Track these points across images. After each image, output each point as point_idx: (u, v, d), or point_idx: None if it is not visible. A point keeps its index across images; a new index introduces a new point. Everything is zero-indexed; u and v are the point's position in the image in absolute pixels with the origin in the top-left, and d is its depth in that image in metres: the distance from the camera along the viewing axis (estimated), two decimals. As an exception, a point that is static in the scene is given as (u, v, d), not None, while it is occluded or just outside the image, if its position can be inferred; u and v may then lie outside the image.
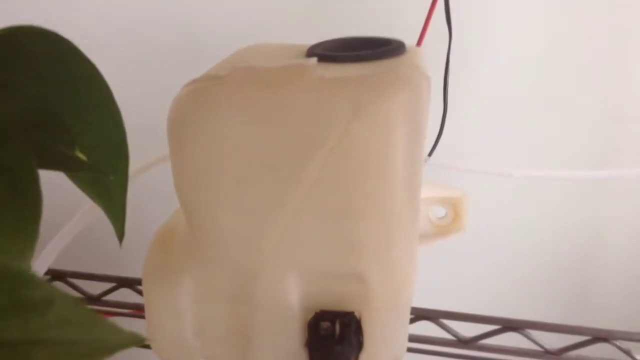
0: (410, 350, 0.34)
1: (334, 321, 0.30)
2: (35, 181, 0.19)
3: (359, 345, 0.31)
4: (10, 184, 0.19)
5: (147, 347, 0.34)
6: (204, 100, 0.27)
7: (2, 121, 0.21)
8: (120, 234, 0.24)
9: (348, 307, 0.31)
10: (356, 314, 0.31)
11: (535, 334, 0.37)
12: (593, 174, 0.48)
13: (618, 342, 0.36)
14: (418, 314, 0.38)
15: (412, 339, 0.35)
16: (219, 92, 0.27)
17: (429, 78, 0.27)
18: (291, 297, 0.30)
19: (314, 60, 0.28)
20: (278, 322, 0.31)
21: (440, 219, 0.38)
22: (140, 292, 0.43)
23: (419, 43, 0.40)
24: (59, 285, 0.44)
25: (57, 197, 0.46)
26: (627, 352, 0.36)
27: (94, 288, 0.44)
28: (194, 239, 0.31)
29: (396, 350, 0.32)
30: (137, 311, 0.43)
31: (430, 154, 0.45)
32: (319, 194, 0.27)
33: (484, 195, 0.48)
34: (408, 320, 0.32)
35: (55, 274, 0.44)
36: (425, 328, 0.38)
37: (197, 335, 0.33)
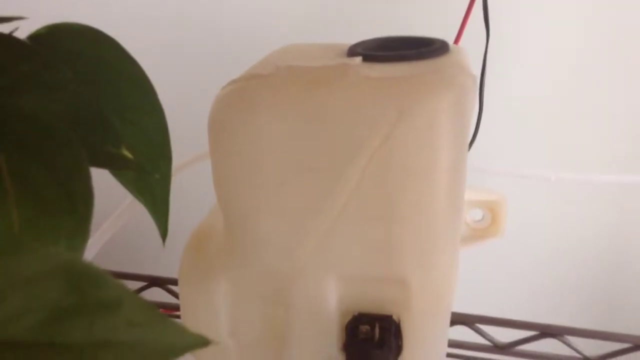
0: (447, 355, 0.33)
1: (373, 324, 0.30)
2: (87, 180, 0.19)
3: (398, 350, 0.30)
4: (63, 184, 0.19)
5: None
6: (245, 99, 0.26)
7: (51, 118, 0.20)
8: (164, 233, 0.24)
9: (387, 311, 0.30)
10: (395, 317, 0.30)
11: (572, 340, 0.36)
12: (630, 179, 0.47)
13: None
14: (453, 319, 0.37)
15: (449, 344, 0.35)
16: (261, 91, 0.26)
17: (474, 78, 0.27)
18: (329, 300, 0.30)
19: (359, 59, 0.27)
20: (315, 325, 0.30)
21: (477, 222, 0.38)
22: (171, 292, 0.43)
23: (455, 43, 0.40)
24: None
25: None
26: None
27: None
28: (231, 240, 0.30)
29: (435, 356, 0.31)
30: (169, 310, 0.43)
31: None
32: (360, 197, 0.27)
33: (516, 198, 0.47)
34: (448, 326, 0.31)
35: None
36: (461, 333, 0.37)
37: (232, 336, 0.32)
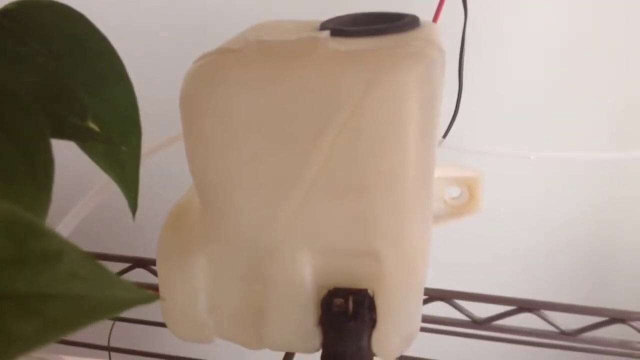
0: (424, 330, 0.33)
1: (347, 298, 0.30)
2: (47, 148, 0.19)
3: (372, 323, 0.31)
4: (23, 151, 0.19)
5: (163, 325, 0.35)
6: (215, 73, 0.26)
7: (15, 91, 0.21)
8: (134, 207, 0.24)
9: (362, 285, 0.31)
10: (370, 291, 0.31)
11: (550, 315, 0.37)
12: (609, 156, 0.48)
13: (635, 324, 0.35)
14: (432, 295, 0.38)
15: (426, 319, 0.35)
16: (231, 66, 0.26)
17: (443, 52, 0.27)
18: (304, 274, 0.30)
19: (327, 33, 0.28)
20: (292, 300, 0.31)
21: (455, 199, 0.38)
22: (155, 273, 0.43)
23: (434, 21, 0.40)
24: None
25: (70, 177, 0.46)
26: (645, 333, 0.35)
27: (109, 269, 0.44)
28: (208, 217, 0.31)
29: (410, 329, 0.31)
30: (153, 292, 0.43)
31: (444, 136, 0.44)
32: (331, 170, 0.27)
33: (499, 178, 0.47)
34: (422, 299, 0.32)
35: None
36: (439, 309, 0.38)
37: (211, 313, 0.33)
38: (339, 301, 0.30)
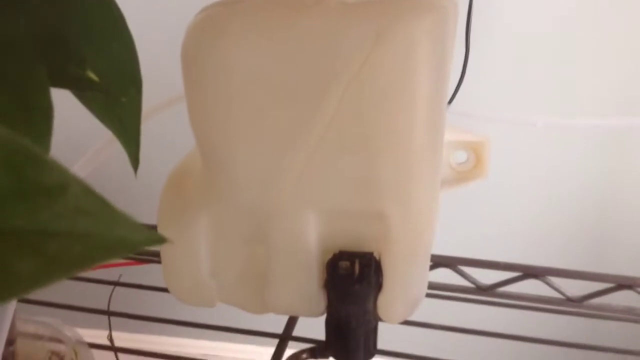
0: (428, 296, 0.33)
1: (353, 261, 0.29)
2: (46, 95, 0.18)
3: (378, 286, 0.30)
4: (22, 98, 0.18)
5: (166, 290, 0.34)
6: (217, 26, 0.25)
7: (12, 36, 0.20)
8: (135, 162, 0.23)
9: (368, 249, 0.30)
10: (375, 255, 0.30)
11: (556, 282, 0.36)
12: (615, 123, 0.47)
13: (642, 290, 0.35)
14: (437, 262, 0.37)
15: (430, 286, 0.35)
16: (234, 18, 0.25)
17: (455, 3, 0.26)
18: (309, 237, 0.29)
19: (334, -16, 0.26)
20: (296, 263, 0.30)
21: (461, 164, 0.37)
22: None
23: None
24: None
25: (69, 141, 0.45)
26: (652, 300, 0.35)
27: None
28: (210, 178, 0.30)
29: (415, 293, 0.31)
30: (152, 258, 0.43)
31: (450, 101, 0.44)
32: (337, 127, 0.26)
33: (505, 145, 0.47)
34: (428, 264, 0.31)
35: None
36: (444, 275, 0.37)
37: (214, 276, 0.32)
38: (344, 264, 0.29)
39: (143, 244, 0.11)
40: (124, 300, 0.38)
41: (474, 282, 0.37)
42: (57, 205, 0.10)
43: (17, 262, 0.10)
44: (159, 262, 0.35)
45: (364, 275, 0.29)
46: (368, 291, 0.30)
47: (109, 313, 0.37)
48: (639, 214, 0.60)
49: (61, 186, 0.10)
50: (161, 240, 0.12)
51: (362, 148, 0.26)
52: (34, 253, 0.10)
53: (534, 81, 0.55)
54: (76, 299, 0.37)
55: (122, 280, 0.40)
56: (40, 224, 0.10)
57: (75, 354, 0.32)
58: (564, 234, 0.61)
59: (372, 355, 0.32)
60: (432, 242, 0.30)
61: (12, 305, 0.28)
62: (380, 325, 0.32)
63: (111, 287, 0.39)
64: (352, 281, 0.29)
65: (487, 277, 0.37)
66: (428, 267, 0.31)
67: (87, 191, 0.11)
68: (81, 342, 0.33)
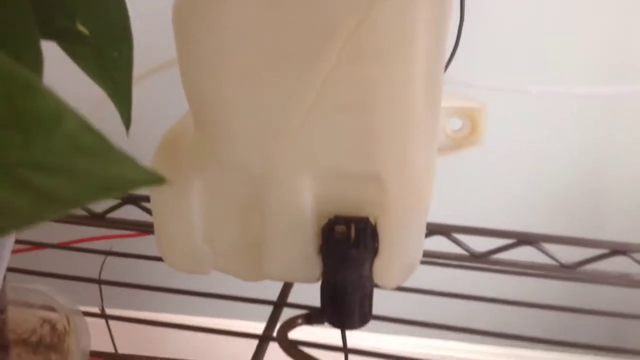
0: (422, 263, 0.33)
1: (349, 226, 0.29)
2: (35, 45, 0.17)
3: (374, 251, 0.30)
4: (11, 47, 0.17)
5: (159, 259, 0.34)
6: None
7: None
8: (127, 121, 0.23)
9: (363, 214, 0.30)
10: (371, 220, 0.30)
11: (550, 249, 0.36)
12: (609, 90, 0.47)
13: (636, 255, 0.35)
14: (431, 229, 0.37)
15: (426, 254, 0.34)
16: (227, -26, 0.25)
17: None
18: (305, 201, 0.29)
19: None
20: (291, 228, 0.30)
21: (457, 131, 0.37)
22: (145, 209, 0.42)
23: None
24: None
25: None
26: (645, 265, 0.35)
27: (98, 205, 0.43)
28: (203, 140, 0.29)
29: (411, 258, 0.31)
30: (146, 232, 0.42)
31: (445, 70, 0.43)
32: (334, 86, 0.26)
33: (500, 113, 0.47)
34: (424, 229, 0.31)
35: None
36: (439, 243, 0.37)
37: (208, 242, 0.32)
38: (340, 228, 0.29)
39: (141, 183, 0.11)
40: (115, 272, 0.38)
41: (467, 249, 0.37)
42: (52, 137, 0.10)
43: (8, 196, 0.09)
44: (152, 232, 0.35)
45: (359, 239, 0.29)
46: (364, 256, 0.29)
47: (100, 282, 0.36)
48: (633, 181, 0.60)
49: (56, 116, 0.10)
50: (160, 180, 0.11)
51: (359, 107, 0.26)
52: (29, 188, 0.10)
53: (529, 49, 0.54)
54: (67, 270, 0.37)
55: (114, 249, 0.39)
56: (35, 157, 0.10)
57: (68, 321, 0.32)
58: (559, 201, 0.61)
59: (367, 321, 0.32)
60: (429, 207, 0.30)
61: (2, 270, 0.27)
62: (375, 291, 0.32)
63: (103, 256, 0.38)
64: (347, 246, 0.29)
65: (481, 244, 0.37)
66: (424, 233, 0.31)
67: (84, 125, 0.10)
68: (74, 310, 0.33)
